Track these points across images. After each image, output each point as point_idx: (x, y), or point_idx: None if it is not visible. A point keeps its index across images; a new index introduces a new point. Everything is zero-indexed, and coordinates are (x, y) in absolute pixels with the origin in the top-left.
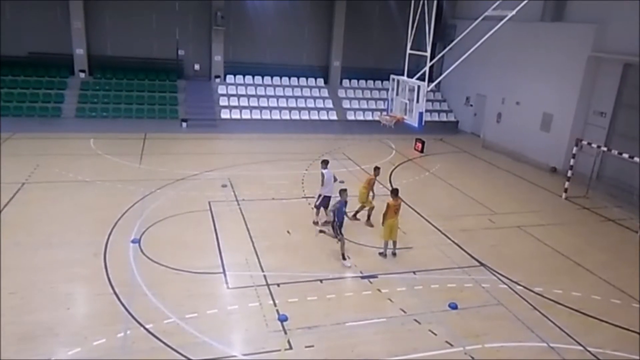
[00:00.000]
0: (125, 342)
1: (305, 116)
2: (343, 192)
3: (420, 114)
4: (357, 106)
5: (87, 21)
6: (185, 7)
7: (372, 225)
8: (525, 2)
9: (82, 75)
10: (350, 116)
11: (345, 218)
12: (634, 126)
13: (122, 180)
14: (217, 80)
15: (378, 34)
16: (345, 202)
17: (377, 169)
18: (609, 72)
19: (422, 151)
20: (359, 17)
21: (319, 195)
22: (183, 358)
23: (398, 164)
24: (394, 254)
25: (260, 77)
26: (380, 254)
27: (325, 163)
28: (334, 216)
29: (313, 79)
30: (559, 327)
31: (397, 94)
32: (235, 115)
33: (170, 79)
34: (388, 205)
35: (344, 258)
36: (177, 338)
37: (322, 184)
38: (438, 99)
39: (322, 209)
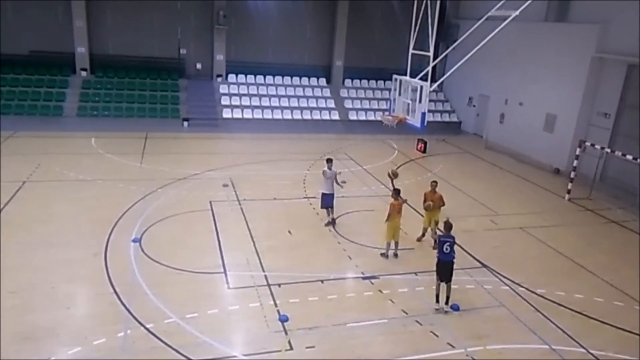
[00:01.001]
0: (125, 341)
1: (307, 116)
2: (448, 224)
3: (423, 114)
4: (359, 106)
5: (89, 20)
6: (187, 6)
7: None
8: (528, 2)
9: (84, 73)
10: (353, 116)
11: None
12: (637, 127)
13: (123, 179)
14: (219, 79)
15: (381, 34)
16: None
17: (433, 182)
18: (613, 73)
19: (424, 152)
20: (362, 16)
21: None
22: (183, 358)
23: (400, 164)
24: (395, 255)
25: (262, 77)
26: (382, 254)
27: (329, 162)
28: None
29: (315, 79)
30: (561, 329)
31: (399, 94)
32: (237, 114)
33: (172, 78)
34: (392, 206)
35: (446, 302)
36: (177, 338)
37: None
38: (441, 99)
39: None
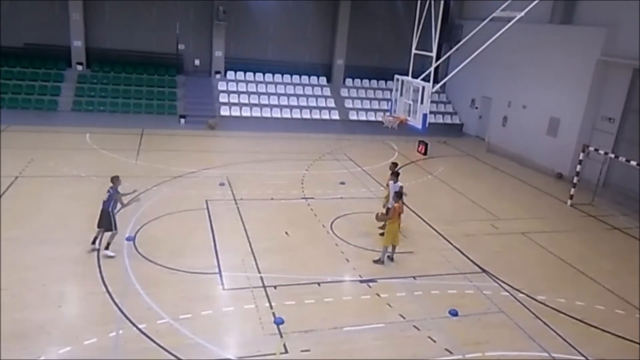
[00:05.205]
0: (117, 341)
1: (306, 115)
2: None
3: (424, 116)
4: (359, 106)
5: (86, 13)
6: (186, 1)
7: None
8: (534, 3)
9: (80, 68)
10: (353, 116)
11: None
12: None
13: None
14: (218, 76)
15: (383, 33)
16: None
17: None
18: (618, 77)
19: (425, 153)
20: (364, 15)
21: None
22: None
23: (400, 166)
24: (391, 259)
25: (261, 74)
26: (375, 261)
27: (395, 175)
28: None
29: (315, 77)
30: (561, 337)
31: (401, 95)
32: (235, 112)
33: (170, 74)
34: (394, 209)
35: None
36: (170, 339)
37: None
38: (443, 100)
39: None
